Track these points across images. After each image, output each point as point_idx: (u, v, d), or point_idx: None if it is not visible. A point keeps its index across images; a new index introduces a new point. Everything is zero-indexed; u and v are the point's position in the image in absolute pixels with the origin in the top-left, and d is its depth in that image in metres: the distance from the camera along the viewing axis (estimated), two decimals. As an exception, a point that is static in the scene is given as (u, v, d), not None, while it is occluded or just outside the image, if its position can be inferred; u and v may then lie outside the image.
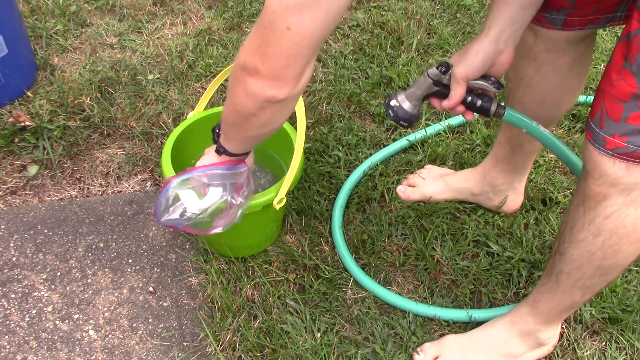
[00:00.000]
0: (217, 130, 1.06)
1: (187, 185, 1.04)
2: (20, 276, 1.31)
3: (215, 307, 1.26)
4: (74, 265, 1.34)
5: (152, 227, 1.42)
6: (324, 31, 0.75)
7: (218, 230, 1.08)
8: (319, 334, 1.21)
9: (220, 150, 1.05)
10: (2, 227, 1.40)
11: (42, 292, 1.28)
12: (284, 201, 1.17)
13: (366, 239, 1.39)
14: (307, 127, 1.67)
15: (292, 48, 0.76)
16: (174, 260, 1.36)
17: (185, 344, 1.21)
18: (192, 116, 1.33)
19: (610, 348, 1.22)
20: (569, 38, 1.04)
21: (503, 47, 0.95)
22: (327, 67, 1.89)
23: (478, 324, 1.22)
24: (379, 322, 1.24)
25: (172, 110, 1.70)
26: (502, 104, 1.04)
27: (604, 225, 0.89)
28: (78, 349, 1.19)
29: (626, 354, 1.22)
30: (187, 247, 1.39)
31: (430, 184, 1.47)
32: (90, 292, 1.29)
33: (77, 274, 1.32)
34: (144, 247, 1.38)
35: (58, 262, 1.34)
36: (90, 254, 1.36)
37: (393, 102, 1.05)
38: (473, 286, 1.32)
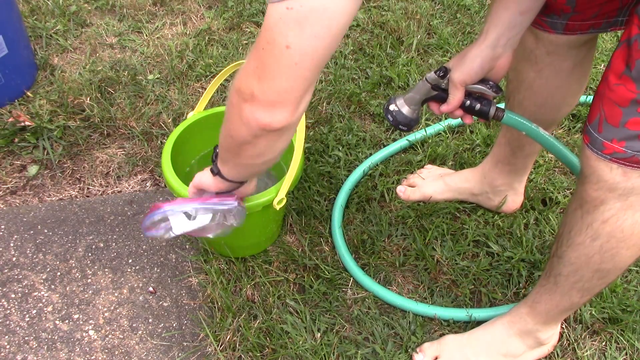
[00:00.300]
0: (217, 150, 0.99)
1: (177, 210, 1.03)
2: (20, 276, 1.31)
3: (215, 307, 1.26)
4: (74, 265, 1.34)
5: (152, 227, 1.42)
6: (325, 50, 0.70)
7: (209, 236, 1.08)
8: (319, 334, 1.21)
9: (214, 171, 0.99)
10: (2, 227, 1.40)
11: (42, 292, 1.28)
12: (284, 201, 1.17)
13: (366, 239, 1.39)
14: (307, 127, 1.67)
15: (291, 68, 0.71)
16: (174, 260, 1.36)
17: (185, 344, 1.21)
18: (192, 116, 1.33)
19: (610, 348, 1.22)
20: (570, 42, 1.04)
21: (501, 52, 0.95)
22: (327, 67, 1.89)
23: (478, 323, 1.22)
24: (379, 322, 1.24)
25: (172, 110, 1.70)
26: (502, 106, 1.04)
27: (601, 230, 0.89)
28: (78, 349, 1.20)
29: (626, 354, 1.22)
30: (187, 247, 1.39)
31: (430, 184, 1.47)
32: (90, 292, 1.29)
33: (77, 274, 1.32)
34: (144, 247, 1.38)
35: (58, 262, 1.34)
36: (90, 254, 1.36)
37: (392, 107, 1.05)
38: (473, 286, 1.32)
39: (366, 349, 1.19)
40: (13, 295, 1.27)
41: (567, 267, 0.98)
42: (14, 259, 1.34)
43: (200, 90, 1.79)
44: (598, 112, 0.82)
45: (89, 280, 1.31)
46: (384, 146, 1.63)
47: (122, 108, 1.69)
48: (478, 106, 1.01)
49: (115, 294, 1.29)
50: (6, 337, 1.20)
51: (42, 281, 1.30)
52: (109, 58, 1.89)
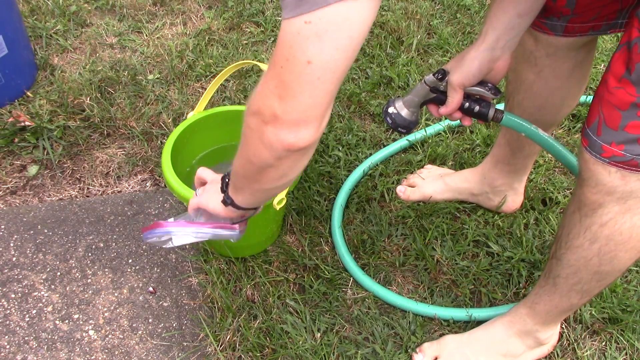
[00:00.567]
0: (227, 180, 0.93)
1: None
2: (20, 276, 1.31)
3: (215, 307, 1.26)
4: (74, 265, 1.34)
5: (152, 227, 1.42)
6: (346, 61, 0.67)
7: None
8: (319, 334, 1.21)
9: (227, 202, 0.93)
10: (2, 227, 1.40)
11: (42, 292, 1.28)
12: (284, 201, 1.17)
13: (366, 239, 1.39)
14: (307, 127, 1.66)
15: (314, 84, 0.67)
16: (174, 260, 1.36)
17: (185, 344, 1.21)
18: (192, 116, 1.33)
19: (610, 348, 1.22)
20: (570, 44, 1.04)
21: (499, 54, 0.95)
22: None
23: (478, 323, 1.22)
24: (379, 322, 1.24)
25: (172, 110, 1.70)
26: (501, 107, 1.04)
27: (600, 233, 0.89)
28: (78, 349, 1.20)
29: (626, 354, 1.22)
30: (187, 247, 1.39)
31: (430, 184, 1.47)
32: (90, 292, 1.29)
33: (77, 274, 1.32)
34: (144, 247, 1.38)
35: (58, 262, 1.34)
36: (90, 254, 1.36)
37: (391, 110, 1.05)
38: (473, 286, 1.32)
39: (366, 349, 1.19)
40: (13, 295, 1.27)
41: (565, 269, 0.98)
42: (14, 259, 1.34)
43: (200, 90, 1.79)
44: (597, 115, 0.82)
45: (89, 280, 1.31)
46: (384, 146, 1.63)
47: (122, 108, 1.69)
48: (477, 108, 1.01)
49: (115, 294, 1.29)
50: (6, 337, 1.20)
51: (42, 281, 1.30)
52: (109, 58, 1.89)
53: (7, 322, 1.23)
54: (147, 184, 1.53)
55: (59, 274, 1.32)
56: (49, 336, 1.21)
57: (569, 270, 0.97)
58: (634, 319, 1.25)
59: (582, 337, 1.24)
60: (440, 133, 1.68)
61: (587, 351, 1.21)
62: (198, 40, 1.97)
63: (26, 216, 1.43)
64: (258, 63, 1.25)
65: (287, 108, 0.69)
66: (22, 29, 1.72)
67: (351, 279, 1.32)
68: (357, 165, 1.56)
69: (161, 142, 1.62)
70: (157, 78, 1.81)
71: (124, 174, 1.55)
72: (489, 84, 0.99)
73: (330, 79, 0.68)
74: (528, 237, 1.40)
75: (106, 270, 1.33)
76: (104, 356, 1.19)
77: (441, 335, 1.22)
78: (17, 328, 1.22)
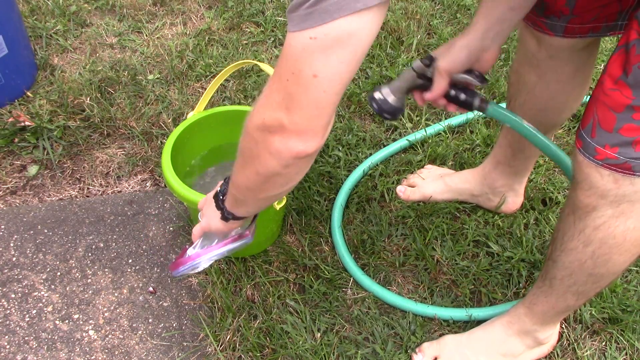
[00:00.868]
0: (222, 197, 0.97)
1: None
2: (20, 276, 1.31)
3: (215, 307, 1.26)
4: (74, 265, 1.34)
5: (152, 227, 1.42)
6: (351, 72, 0.70)
7: None
8: (319, 334, 1.21)
9: (228, 218, 0.97)
10: (2, 227, 1.40)
11: (42, 292, 1.28)
12: (284, 201, 1.17)
13: (366, 239, 1.39)
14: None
15: (320, 96, 0.70)
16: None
17: (185, 344, 1.21)
18: (192, 116, 1.33)
19: (610, 348, 1.22)
20: (571, 46, 1.04)
21: (489, 45, 0.95)
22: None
23: (477, 323, 1.22)
24: (379, 322, 1.24)
25: (172, 110, 1.70)
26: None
27: (593, 236, 0.89)
28: (78, 349, 1.20)
29: (626, 354, 1.22)
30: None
31: (430, 184, 1.47)
32: (90, 292, 1.29)
33: (77, 274, 1.32)
34: (144, 247, 1.38)
35: (58, 262, 1.34)
36: (90, 254, 1.36)
37: (377, 95, 1.05)
38: (473, 286, 1.32)
39: (366, 349, 1.19)
40: (13, 295, 1.27)
41: (561, 270, 0.98)
42: (14, 259, 1.34)
43: (200, 90, 1.79)
44: (592, 117, 0.82)
45: (89, 280, 1.31)
46: (384, 146, 1.63)
47: (122, 108, 1.69)
48: (462, 96, 1.01)
49: (115, 294, 1.29)
50: (6, 337, 1.20)
51: (42, 281, 1.30)
52: (109, 58, 1.89)
53: (7, 322, 1.23)
54: (147, 184, 1.53)
55: (59, 274, 1.32)
56: (49, 336, 1.21)
57: (564, 272, 0.97)
58: (634, 319, 1.25)
59: (582, 337, 1.24)
60: (440, 133, 1.68)
61: (587, 351, 1.21)
62: (198, 40, 1.97)
63: (26, 216, 1.43)
64: (258, 63, 1.25)
65: (294, 119, 0.72)
66: (22, 29, 1.72)
67: (351, 279, 1.32)
68: (357, 165, 1.56)
69: (161, 142, 1.62)
70: (157, 78, 1.81)
71: (124, 174, 1.55)
72: (476, 72, 0.99)
73: (335, 90, 0.71)
74: (528, 237, 1.40)
75: (106, 270, 1.33)
76: (104, 356, 1.19)
77: (441, 335, 1.22)
78: (17, 328, 1.22)
